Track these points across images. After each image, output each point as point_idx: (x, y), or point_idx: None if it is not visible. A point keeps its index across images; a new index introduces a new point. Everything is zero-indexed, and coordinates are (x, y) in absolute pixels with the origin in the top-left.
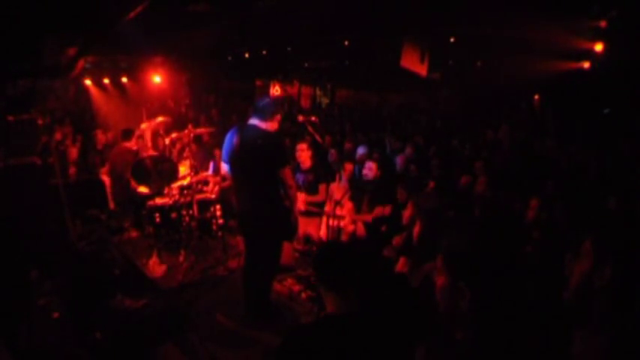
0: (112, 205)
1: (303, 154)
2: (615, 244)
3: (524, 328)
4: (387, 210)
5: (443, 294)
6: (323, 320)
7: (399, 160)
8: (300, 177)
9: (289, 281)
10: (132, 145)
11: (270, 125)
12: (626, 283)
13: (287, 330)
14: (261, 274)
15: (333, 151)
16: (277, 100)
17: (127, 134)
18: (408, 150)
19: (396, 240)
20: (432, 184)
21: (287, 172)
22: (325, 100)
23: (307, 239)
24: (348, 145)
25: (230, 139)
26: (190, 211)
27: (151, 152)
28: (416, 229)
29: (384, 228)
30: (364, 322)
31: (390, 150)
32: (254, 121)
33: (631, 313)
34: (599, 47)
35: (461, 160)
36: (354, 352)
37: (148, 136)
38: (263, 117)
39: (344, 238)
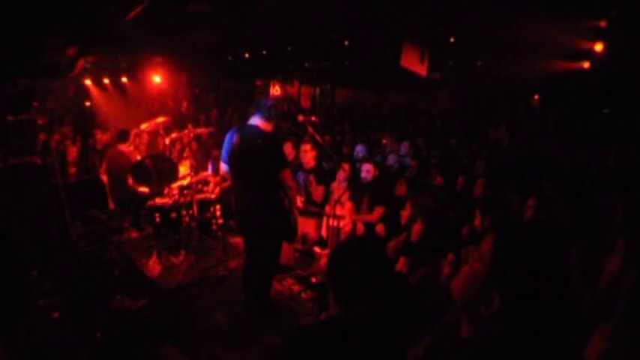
0: (112, 205)
1: (307, 154)
2: None
3: (537, 333)
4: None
5: (470, 280)
6: (326, 322)
7: (392, 159)
8: (301, 176)
9: (289, 281)
10: (126, 147)
11: (269, 126)
12: None
13: (288, 330)
14: (261, 274)
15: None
16: (281, 102)
17: (123, 135)
18: (404, 147)
19: (396, 240)
20: (432, 182)
21: (287, 174)
22: (325, 100)
23: (306, 239)
24: (345, 149)
25: (230, 139)
26: (190, 211)
27: (145, 153)
28: (416, 229)
29: (381, 228)
30: (367, 324)
31: (389, 150)
32: (255, 120)
33: None
34: (599, 47)
35: (460, 160)
36: (356, 355)
37: (145, 136)
38: (267, 117)
39: (342, 237)
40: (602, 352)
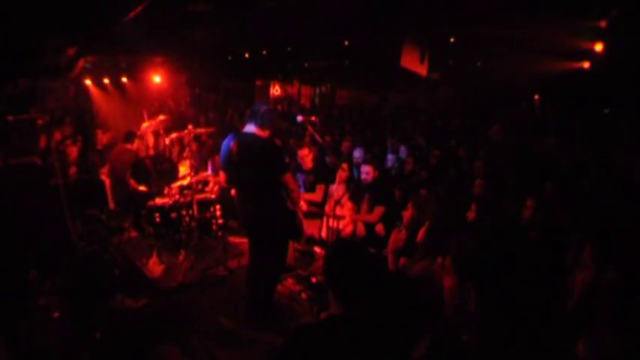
0: (112, 205)
1: (306, 159)
2: (616, 248)
3: (529, 330)
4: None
5: (451, 295)
6: (326, 321)
7: (391, 159)
8: (300, 177)
9: (289, 281)
10: (132, 146)
11: (264, 133)
12: (632, 286)
13: (288, 330)
14: (267, 276)
15: (331, 158)
16: (275, 111)
17: (129, 137)
18: (403, 151)
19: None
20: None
21: (288, 178)
22: (325, 100)
23: (307, 239)
24: (345, 145)
25: (227, 147)
26: (190, 211)
27: (151, 152)
28: (422, 230)
29: (381, 228)
30: (367, 323)
31: (391, 150)
32: (250, 127)
33: (637, 316)
34: (599, 47)
35: (458, 160)
36: (357, 354)
37: (149, 136)
38: (261, 124)
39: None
40: (591, 353)
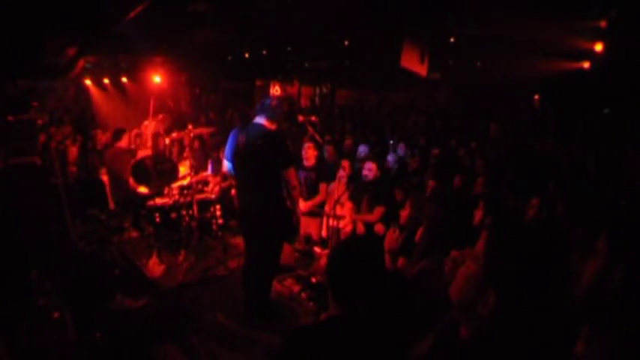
0: (112, 205)
1: (309, 151)
2: (630, 242)
3: (531, 332)
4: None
5: (467, 281)
6: (326, 322)
7: (391, 159)
8: (302, 174)
9: (289, 281)
10: (125, 144)
11: (273, 125)
12: (634, 285)
13: (288, 330)
14: (260, 274)
15: (329, 147)
16: (284, 101)
17: (118, 135)
18: (401, 149)
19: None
20: (430, 184)
21: (291, 172)
22: (325, 100)
23: (308, 239)
24: (348, 142)
25: (234, 137)
26: (190, 211)
27: (149, 152)
28: (420, 232)
29: (380, 228)
30: (367, 324)
31: (392, 150)
32: (260, 120)
33: (637, 316)
34: (599, 47)
35: (459, 160)
36: (357, 354)
37: (147, 135)
38: (271, 116)
39: (342, 237)
40: (590, 353)
